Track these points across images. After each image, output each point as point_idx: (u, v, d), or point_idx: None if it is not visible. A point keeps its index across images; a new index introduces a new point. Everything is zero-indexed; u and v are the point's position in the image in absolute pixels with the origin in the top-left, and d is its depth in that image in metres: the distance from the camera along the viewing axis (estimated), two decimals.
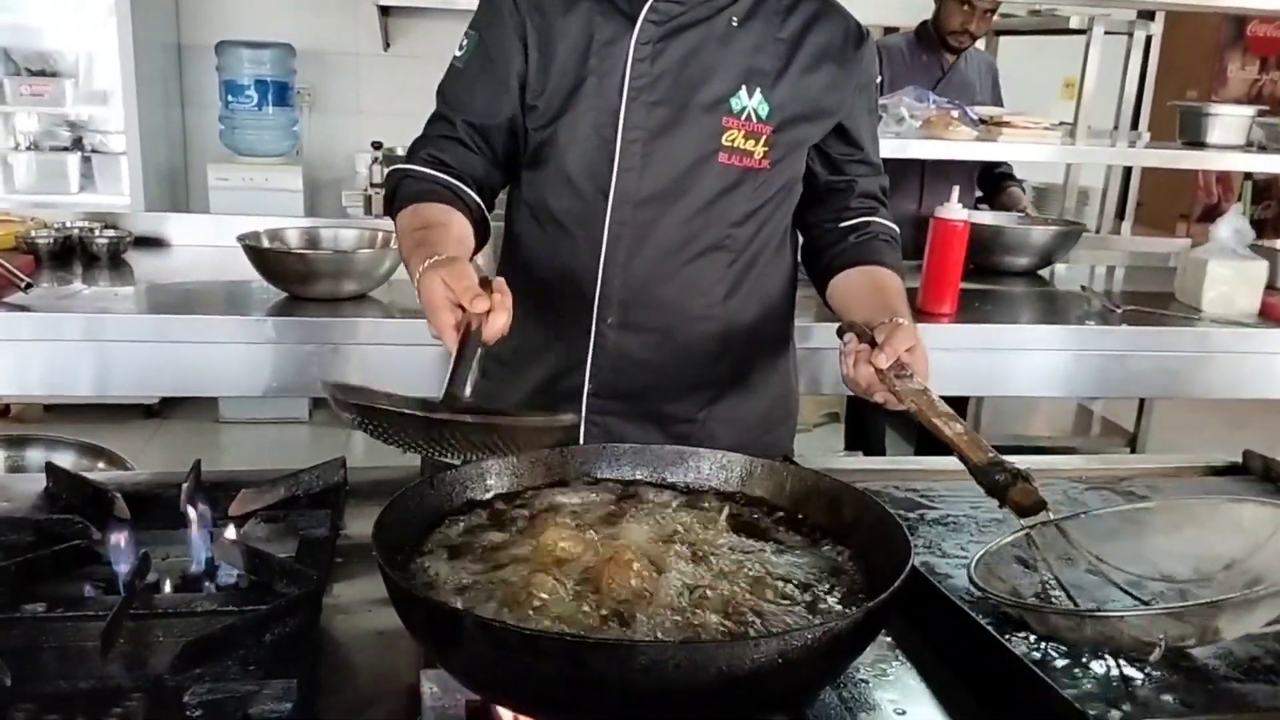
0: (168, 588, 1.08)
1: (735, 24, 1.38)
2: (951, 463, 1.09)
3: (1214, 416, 4.63)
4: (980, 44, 3.57)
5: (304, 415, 4.52)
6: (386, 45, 4.70)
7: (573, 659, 0.70)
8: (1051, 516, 1.02)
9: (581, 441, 1.41)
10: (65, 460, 2.30)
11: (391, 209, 1.42)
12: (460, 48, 1.46)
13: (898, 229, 1.53)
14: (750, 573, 0.90)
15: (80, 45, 4.33)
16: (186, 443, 4.17)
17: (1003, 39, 4.33)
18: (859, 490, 1.00)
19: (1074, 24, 3.64)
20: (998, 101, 3.48)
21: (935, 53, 3.46)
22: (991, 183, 3.58)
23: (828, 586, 0.90)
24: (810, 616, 0.85)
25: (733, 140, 1.38)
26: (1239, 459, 1.57)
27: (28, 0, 4.33)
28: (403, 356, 2.23)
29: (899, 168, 3.28)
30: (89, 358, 2.13)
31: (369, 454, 4.19)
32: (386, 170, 1.53)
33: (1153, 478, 1.52)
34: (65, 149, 4.35)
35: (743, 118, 1.38)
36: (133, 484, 1.31)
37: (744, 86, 1.38)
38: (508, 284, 1.14)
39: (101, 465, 2.40)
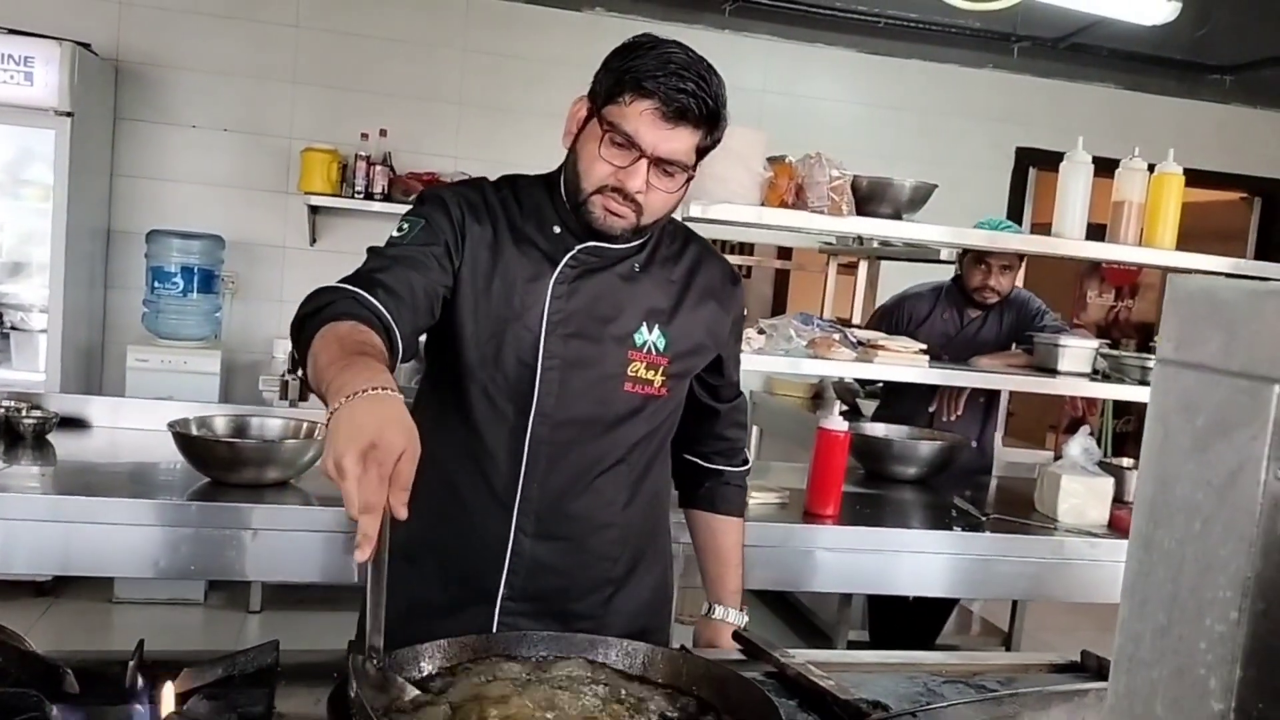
0: None
1: (637, 269, 1.60)
2: (839, 655, 1.27)
3: (1085, 619, 4.87)
4: (1020, 280, 3.67)
5: (199, 597, 4.47)
6: (313, 240, 4.95)
7: None
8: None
9: None
10: None
11: (317, 318, 1.32)
12: (400, 230, 1.53)
13: (746, 456, 1.85)
14: None
15: (12, 225, 4.47)
16: (77, 621, 4.10)
17: (884, 263, 4.77)
18: (744, 677, 1.18)
19: (944, 255, 4.07)
20: (1050, 327, 3.49)
21: (957, 308, 3.65)
22: None
23: None
24: None
25: (636, 371, 1.57)
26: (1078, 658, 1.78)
27: None
28: (317, 542, 2.35)
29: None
30: (15, 535, 2.20)
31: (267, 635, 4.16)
32: (318, 288, 1.40)
33: (1003, 672, 1.71)
34: None
35: (644, 350, 1.58)
36: (79, 660, 1.40)
37: (644, 323, 1.58)
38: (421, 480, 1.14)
39: None
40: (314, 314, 1.34)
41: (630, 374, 1.57)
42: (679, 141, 1.45)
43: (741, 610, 1.84)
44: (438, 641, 1.21)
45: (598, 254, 1.57)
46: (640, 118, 1.43)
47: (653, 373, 1.58)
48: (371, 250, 1.53)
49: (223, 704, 1.32)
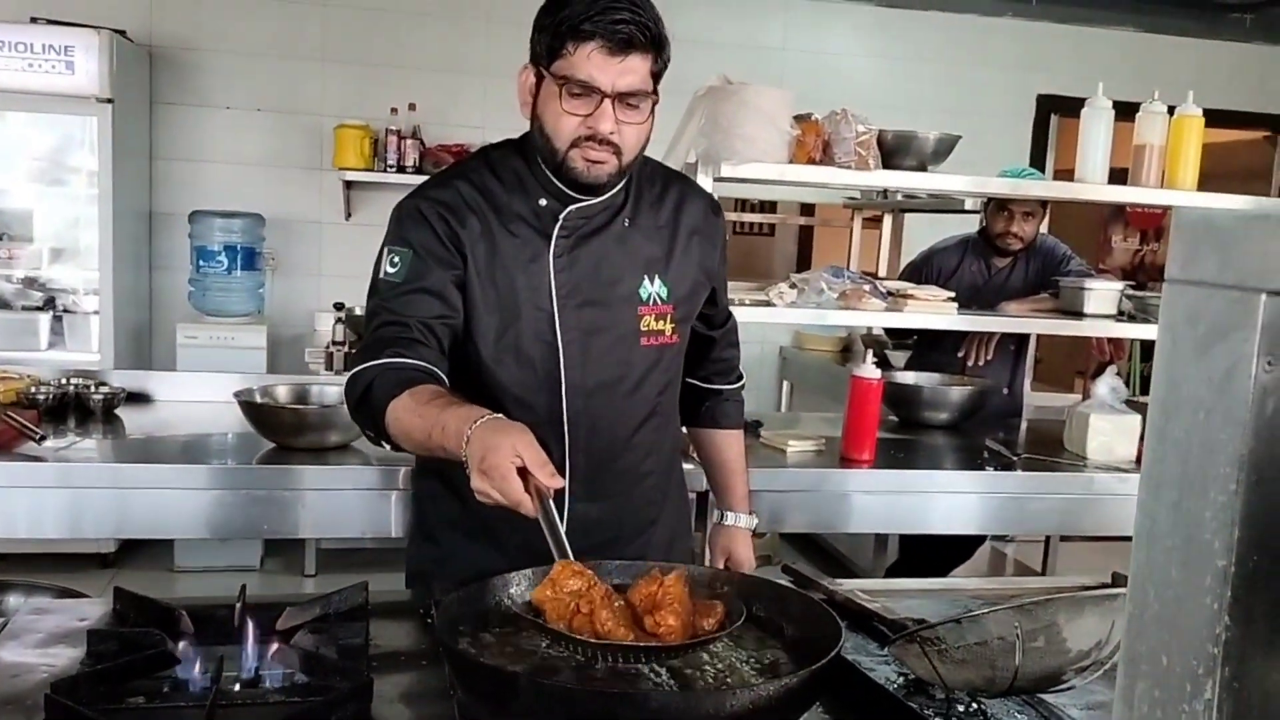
0: (236, 687, 1.30)
1: (627, 224, 1.64)
2: (882, 583, 1.38)
3: (1114, 559, 4.97)
4: (1044, 227, 3.74)
5: (255, 563, 4.64)
6: (348, 215, 5.06)
7: (603, 706, 0.96)
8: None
9: None
10: (45, 603, 2.48)
11: (370, 402, 1.48)
12: (393, 264, 1.56)
13: (740, 372, 1.93)
14: (731, 652, 1.18)
15: (58, 211, 4.61)
16: (140, 589, 4.25)
17: (909, 216, 4.83)
18: (803, 593, 1.29)
19: (968, 205, 4.14)
20: (1076, 272, 3.55)
21: (984, 259, 3.71)
22: None
23: (781, 659, 1.18)
24: (770, 678, 1.13)
25: (648, 325, 1.64)
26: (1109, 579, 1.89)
27: (9, 167, 4.62)
28: (377, 500, 2.49)
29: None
30: (101, 503, 2.34)
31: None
32: (351, 374, 1.54)
33: (1039, 594, 1.81)
34: (37, 309, 4.54)
35: (650, 303, 1.64)
36: (189, 605, 1.53)
37: (645, 276, 1.64)
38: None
39: None
40: (365, 400, 1.49)
41: (644, 329, 1.63)
42: (633, 73, 1.48)
43: (751, 515, 1.95)
44: (524, 570, 1.32)
45: (586, 214, 1.60)
46: (590, 60, 1.46)
47: (662, 322, 1.65)
48: (372, 303, 1.58)
49: (325, 637, 1.45)
